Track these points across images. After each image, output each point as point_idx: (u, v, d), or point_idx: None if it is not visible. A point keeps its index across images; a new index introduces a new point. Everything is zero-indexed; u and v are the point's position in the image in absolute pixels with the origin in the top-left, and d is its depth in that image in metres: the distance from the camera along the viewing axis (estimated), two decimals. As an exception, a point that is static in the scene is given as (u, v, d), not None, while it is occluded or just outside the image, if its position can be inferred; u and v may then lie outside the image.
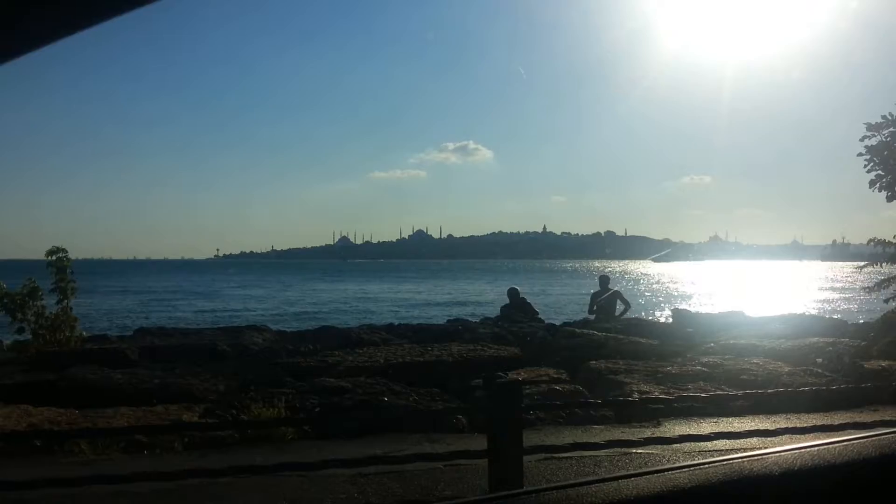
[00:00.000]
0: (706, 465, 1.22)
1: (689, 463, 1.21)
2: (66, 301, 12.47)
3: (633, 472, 1.18)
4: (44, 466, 6.11)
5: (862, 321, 17.82)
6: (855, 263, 13.20)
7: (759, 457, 1.27)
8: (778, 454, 1.29)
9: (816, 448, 1.32)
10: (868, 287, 13.32)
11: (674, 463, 1.24)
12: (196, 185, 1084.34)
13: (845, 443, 1.34)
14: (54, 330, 12.06)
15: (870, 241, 13.71)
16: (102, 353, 10.99)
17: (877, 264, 13.47)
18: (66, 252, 12.86)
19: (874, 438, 1.36)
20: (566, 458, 6.27)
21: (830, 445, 1.33)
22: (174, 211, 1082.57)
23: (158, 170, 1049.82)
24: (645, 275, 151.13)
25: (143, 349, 11.42)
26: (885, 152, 13.49)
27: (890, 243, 12.82)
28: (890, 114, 13.39)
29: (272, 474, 4.90)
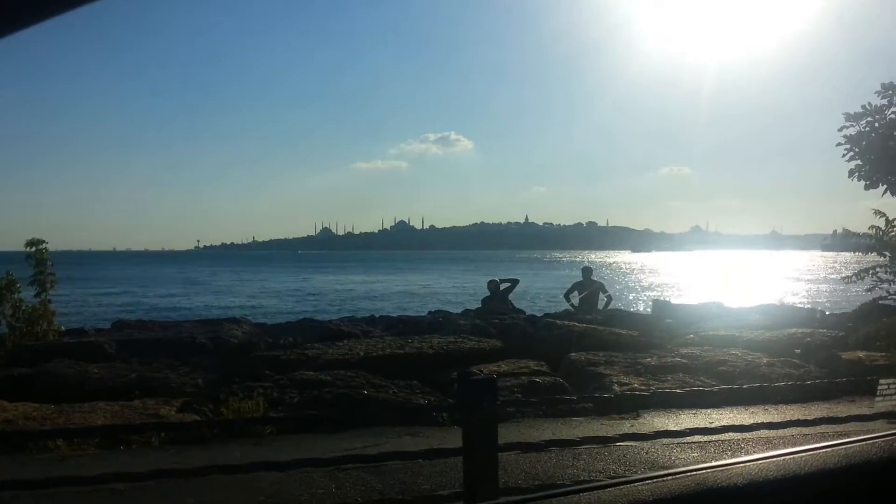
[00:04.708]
0: (669, 478, 1.20)
1: (651, 475, 1.20)
2: (44, 294, 12.31)
3: (594, 484, 1.16)
4: (17, 464, 6.06)
5: (840, 312, 17.98)
6: (855, 254, 13.22)
7: (724, 467, 1.25)
8: (742, 465, 1.27)
9: (781, 458, 1.31)
10: (847, 277, 13.40)
11: (637, 474, 1.22)
12: (177, 176, 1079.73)
13: (811, 452, 1.33)
14: (31, 323, 11.91)
15: (835, 230, 13.88)
16: (79, 346, 10.87)
17: (850, 253, 13.56)
18: (46, 243, 12.69)
19: (840, 447, 1.35)
20: (545, 450, 6.28)
21: (796, 455, 1.32)
22: (154, 202, 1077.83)
23: (138, 161, 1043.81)
24: (626, 265, 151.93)
25: (121, 342, 11.30)
26: (864, 142, 13.56)
27: (866, 234, 12.89)
28: (869, 104, 13.46)
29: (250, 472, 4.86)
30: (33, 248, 12.53)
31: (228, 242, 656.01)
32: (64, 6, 0.87)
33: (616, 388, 8.85)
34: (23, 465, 6.02)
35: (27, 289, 12.24)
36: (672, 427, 7.14)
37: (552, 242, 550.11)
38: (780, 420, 6.51)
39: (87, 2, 0.89)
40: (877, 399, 4.37)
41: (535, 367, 9.86)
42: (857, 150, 13.63)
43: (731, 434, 6.21)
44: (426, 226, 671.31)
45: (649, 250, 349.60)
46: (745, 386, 7.72)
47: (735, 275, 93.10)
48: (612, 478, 1.20)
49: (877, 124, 13.44)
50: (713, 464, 1.26)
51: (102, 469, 4.62)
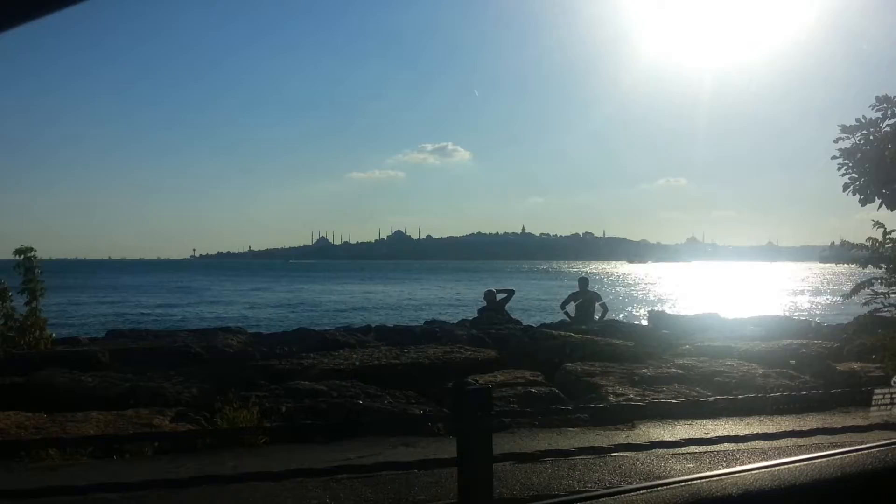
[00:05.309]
0: (663, 488, 1.19)
1: (646, 485, 1.18)
2: (34, 302, 12.28)
3: (589, 494, 1.15)
4: (9, 473, 6.03)
5: (835, 323, 17.99)
6: (855, 266, 13.19)
7: (718, 477, 1.24)
8: (737, 475, 1.26)
9: (776, 468, 1.30)
10: (845, 294, 13.39)
11: (631, 485, 1.21)
12: (172, 185, 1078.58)
13: (806, 462, 1.31)
14: (23, 332, 11.88)
15: (833, 242, 13.87)
16: (73, 355, 10.85)
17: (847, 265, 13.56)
18: (35, 251, 12.67)
19: (835, 457, 1.34)
20: (540, 461, 6.26)
21: (791, 465, 1.30)
22: (150, 210, 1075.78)
23: (134, 169, 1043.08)
24: (622, 276, 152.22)
25: (115, 351, 11.26)
26: (859, 155, 13.55)
27: (863, 246, 12.89)
28: (864, 116, 13.45)
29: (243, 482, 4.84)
30: (22, 257, 12.50)
31: (224, 251, 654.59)
32: (54, 6, 0.86)
33: (612, 398, 8.84)
34: (15, 475, 5.99)
35: (17, 297, 12.21)
36: (667, 438, 7.11)
37: (549, 253, 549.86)
38: (775, 431, 6.50)
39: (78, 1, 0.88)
40: (871, 410, 4.36)
41: (531, 378, 9.84)
42: (851, 163, 13.62)
43: (726, 445, 6.20)
44: (423, 236, 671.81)
45: (645, 261, 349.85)
46: (740, 396, 7.71)
47: (731, 286, 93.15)
48: (606, 488, 1.19)
49: (871, 137, 13.44)
50: (708, 474, 1.25)
51: (95, 479, 4.60)
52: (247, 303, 67.37)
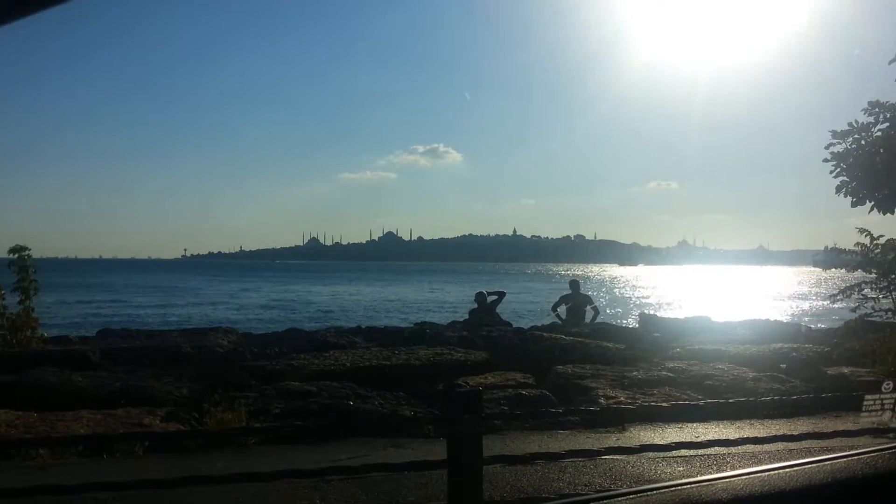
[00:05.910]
0: (653, 493, 1.19)
1: (635, 489, 1.18)
2: (27, 301, 12.23)
3: (577, 497, 1.15)
4: (0, 472, 6.00)
5: (825, 327, 18.06)
6: (846, 271, 13.25)
7: (708, 482, 1.24)
8: (727, 480, 1.26)
9: (766, 474, 1.30)
10: (833, 296, 13.44)
11: (621, 489, 1.21)
12: (164, 185, 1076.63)
13: (796, 468, 1.32)
14: (15, 330, 11.83)
15: (826, 246, 13.94)
16: (63, 354, 10.79)
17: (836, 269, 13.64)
18: (29, 250, 12.62)
19: (825, 463, 1.34)
20: (531, 463, 6.27)
21: (780, 471, 1.31)
22: (141, 210, 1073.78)
23: (125, 169, 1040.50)
24: (613, 278, 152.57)
25: (106, 351, 11.22)
26: (850, 159, 13.62)
27: (852, 251, 12.94)
28: (855, 121, 13.53)
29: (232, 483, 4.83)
30: (16, 255, 12.46)
31: (215, 251, 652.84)
32: (42, 4, 0.86)
33: (602, 401, 8.85)
34: (5, 474, 5.96)
35: (10, 296, 12.17)
36: (658, 441, 7.13)
37: (540, 255, 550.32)
38: (765, 435, 6.52)
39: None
40: (862, 415, 4.38)
41: (522, 380, 9.85)
42: (843, 166, 13.68)
43: (716, 448, 6.21)
44: (414, 237, 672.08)
45: (636, 264, 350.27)
46: (731, 400, 7.73)
47: (722, 289, 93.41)
48: (596, 492, 1.19)
49: (863, 142, 13.51)
50: (697, 479, 1.25)
51: (84, 478, 4.58)
52: (237, 303, 67.32)
